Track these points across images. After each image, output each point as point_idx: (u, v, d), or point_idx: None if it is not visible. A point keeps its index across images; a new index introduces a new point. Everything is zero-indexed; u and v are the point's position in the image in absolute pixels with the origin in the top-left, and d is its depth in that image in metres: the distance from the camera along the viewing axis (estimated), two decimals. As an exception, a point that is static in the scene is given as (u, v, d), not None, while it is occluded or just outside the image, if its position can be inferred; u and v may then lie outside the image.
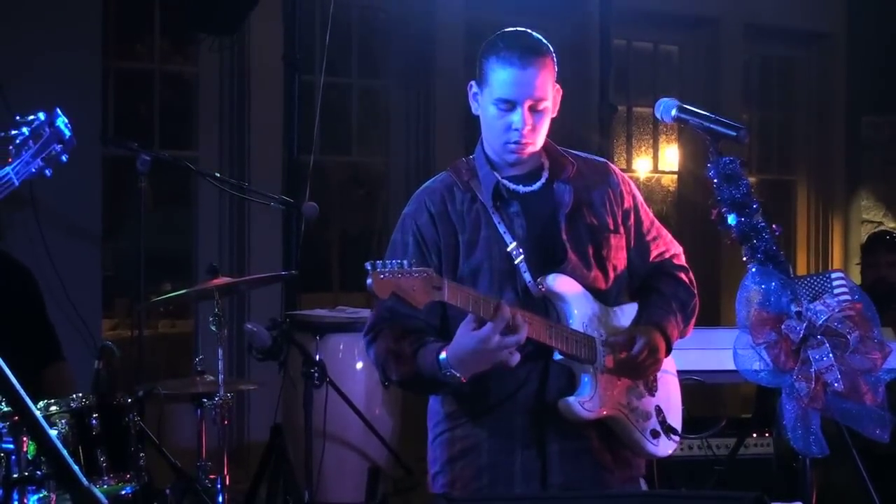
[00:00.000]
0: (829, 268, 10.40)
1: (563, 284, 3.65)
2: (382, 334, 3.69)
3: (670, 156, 10.27)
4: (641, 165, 10.11)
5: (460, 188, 3.75)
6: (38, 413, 2.31)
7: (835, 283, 3.47)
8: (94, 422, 4.59)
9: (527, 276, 3.63)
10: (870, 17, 10.32)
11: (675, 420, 3.89)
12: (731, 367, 3.47)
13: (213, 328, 5.31)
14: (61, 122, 3.90)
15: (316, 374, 5.70)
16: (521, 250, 3.64)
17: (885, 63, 10.23)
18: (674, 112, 3.64)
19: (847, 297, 3.44)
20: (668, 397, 3.89)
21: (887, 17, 10.13)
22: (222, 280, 5.48)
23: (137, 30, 7.88)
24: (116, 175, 7.23)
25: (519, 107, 3.62)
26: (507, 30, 3.73)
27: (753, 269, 3.46)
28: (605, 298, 3.76)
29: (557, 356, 3.61)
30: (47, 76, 6.72)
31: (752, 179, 4.73)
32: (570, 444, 3.69)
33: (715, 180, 3.50)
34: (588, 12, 8.43)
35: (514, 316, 3.40)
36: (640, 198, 3.93)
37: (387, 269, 3.19)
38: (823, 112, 10.81)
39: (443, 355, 3.48)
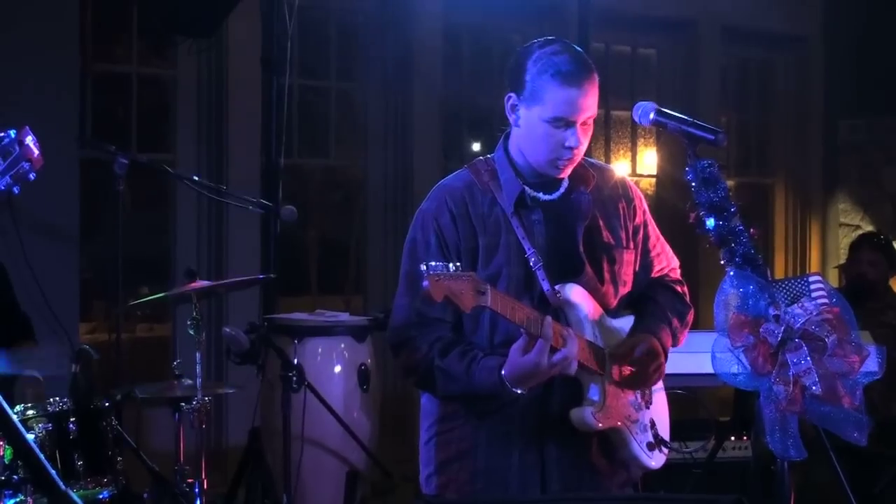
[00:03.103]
0: (807, 271, 10.42)
1: (578, 295, 3.64)
2: (417, 343, 3.64)
3: (648, 159, 10.28)
4: (619, 169, 10.11)
5: (480, 189, 3.69)
6: (14, 417, 2.30)
7: (812, 286, 3.47)
8: (71, 426, 4.59)
9: (545, 285, 3.60)
10: (846, 19, 10.34)
11: (665, 432, 3.91)
12: (710, 370, 3.47)
13: (192, 332, 5.32)
14: (30, 140, 3.89)
15: (294, 378, 5.70)
16: (539, 258, 3.61)
17: (861, 65, 10.26)
18: (652, 115, 3.62)
19: (825, 300, 3.44)
20: (659, 410, 3.91)
21: (863, 20, 10.15)
22: (200, 283, 5.47)
23: (115, 32, 7.85)
24: (94, 178, 7.19)
25: (575, 125, 3.58)
26: (549, 43, 3.65)
27: (731, 273, 3.45)
28: (609, 312, 3.77)
29: None
30: (25, 79, 6.68)
31: (730, 182, 4.74)
32: (569, 451, 3.68)
33: (693, 183, 3.49)
34: (566, 16, 8.42)
35: (556, 335, 3.40)
36: (648, 213, 3.92)
37: (440, 272, 3.14)
38: (801, 115, 10.84)
39: (503, 373, 3.46)
